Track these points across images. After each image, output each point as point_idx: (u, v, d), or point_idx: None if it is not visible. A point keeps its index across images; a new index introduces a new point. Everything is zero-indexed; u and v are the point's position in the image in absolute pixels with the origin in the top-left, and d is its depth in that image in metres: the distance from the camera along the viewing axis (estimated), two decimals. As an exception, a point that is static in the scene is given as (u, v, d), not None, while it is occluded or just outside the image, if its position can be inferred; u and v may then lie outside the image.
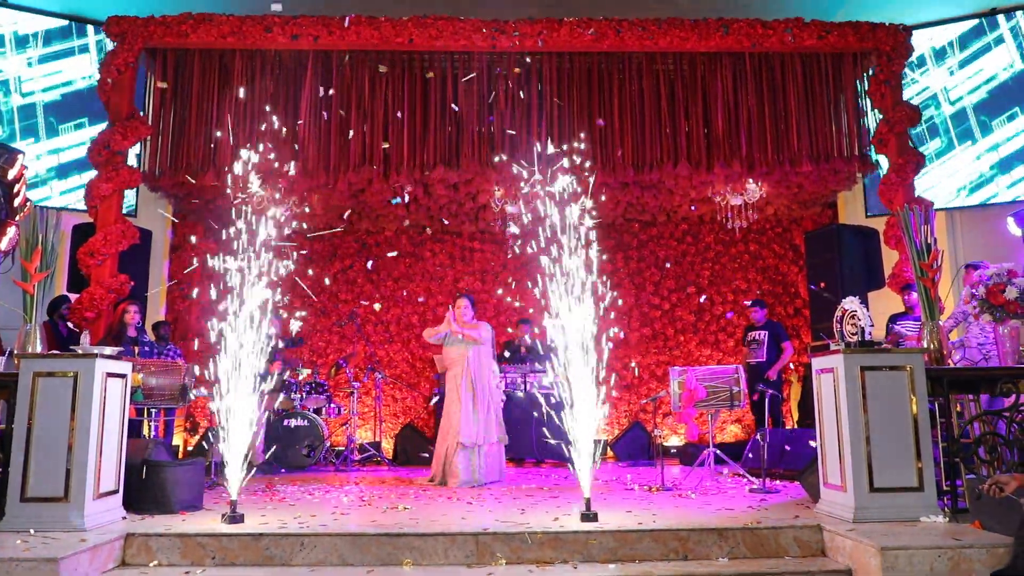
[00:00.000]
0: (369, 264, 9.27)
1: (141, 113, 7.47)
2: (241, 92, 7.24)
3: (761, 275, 9.54)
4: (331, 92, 7.46)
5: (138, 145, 7.49)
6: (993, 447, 4.20)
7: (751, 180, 7.97)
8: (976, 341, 5.33)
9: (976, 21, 8.68)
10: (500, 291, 9.25)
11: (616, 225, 9.50)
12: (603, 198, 8.02)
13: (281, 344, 7.48)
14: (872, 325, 4.47)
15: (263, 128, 7.03)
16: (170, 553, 3.83)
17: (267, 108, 7.24)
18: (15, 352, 4.43)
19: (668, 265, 9.51)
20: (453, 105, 7.45)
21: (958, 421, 4.45)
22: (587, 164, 6.98)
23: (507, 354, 8.26)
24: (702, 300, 9.43)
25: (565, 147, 6.76)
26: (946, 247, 8.28)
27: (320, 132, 7.44)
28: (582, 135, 7.12)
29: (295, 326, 7.59)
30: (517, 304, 9.04)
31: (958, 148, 8.76)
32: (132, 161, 7.43)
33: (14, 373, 4.14)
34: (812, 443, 5.02)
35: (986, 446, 4.24)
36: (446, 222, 9.06)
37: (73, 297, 7.00)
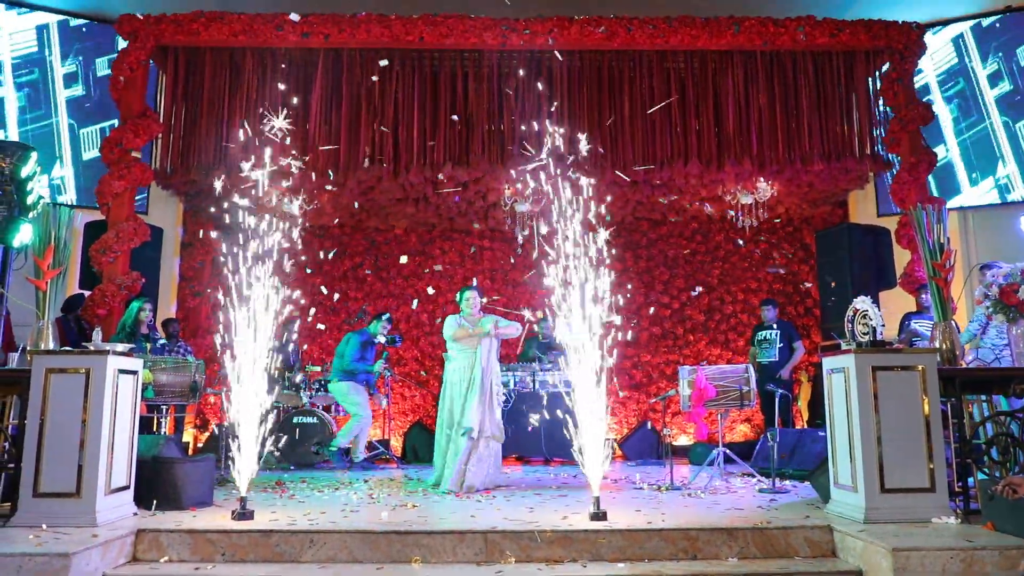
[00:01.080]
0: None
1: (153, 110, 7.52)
2: (253, 90, 7.27)
3: (771, 274, 9.50)
4: (342, 90, 7.49)
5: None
6: (1006, 448, 4.17)
7: (762, 179, 7.94)
8: (991, 342, 5.28)
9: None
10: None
11: (626, 223, 9.47)
12: (608, 198, 8.00)
13: (383, 341, 7.59)
14: (883, 325, 4.44)
15: (273, 127, 7.05)
16: (180, 549, 3.85)
17: (279, 107, 7.26)
18: (28, 348, 4.46)
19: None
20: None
21: (970, 422, 4.42)
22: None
23: (533, 350, 8.23)
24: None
25: (575, 144, 6.77)
26: (959, 247, 8.22)
27: (331, 130, 7.46)
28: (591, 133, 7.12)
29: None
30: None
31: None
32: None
33: (27, 369, 4.17)
34: (822, 439, 4.99)
35: (999, 447, 4.21)
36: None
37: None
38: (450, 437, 5.76)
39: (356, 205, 8.39)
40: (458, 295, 6.18)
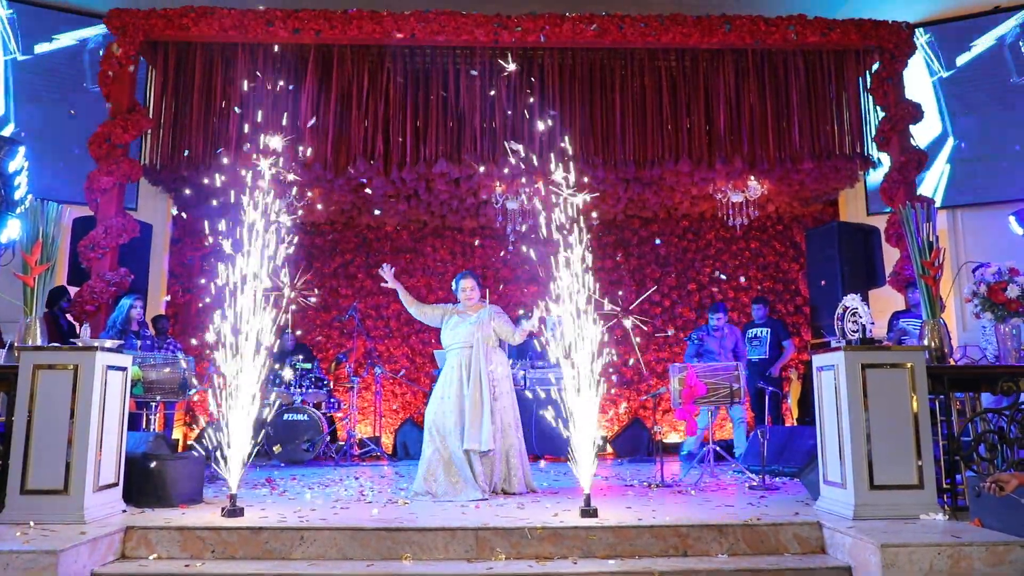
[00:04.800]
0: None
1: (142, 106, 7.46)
2: (243, 86, 7.24)
3: (762, 272, 9.54)
4: (333, 86, 7.46)
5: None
6: (993, 445, 4.20)
7: (752, 177, 7.96)
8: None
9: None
10: (501, 286, 9.25)
11: (617, 222, 9.49)
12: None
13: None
14: (873, 323, 4.46)
15: (263, 123, 7.01)
16: (170, 546, 3.83)
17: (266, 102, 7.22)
18: (15, 345, 4.43)
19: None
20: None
21: (959, 419, 4.44)
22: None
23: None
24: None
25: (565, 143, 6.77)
26: (948, 245, 8.27)
27: (321, 126, 7.43)
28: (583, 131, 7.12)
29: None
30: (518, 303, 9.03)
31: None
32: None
33: (14, 366, 4.14)
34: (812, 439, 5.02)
35: (986, 444, 4.24)
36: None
37: (72, 290, 7.00)
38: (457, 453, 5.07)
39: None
40: (453, 282, 5.62)
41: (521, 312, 8.24)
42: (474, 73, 7.49)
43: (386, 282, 5.47)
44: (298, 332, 8.48)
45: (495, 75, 7.59)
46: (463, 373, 5.22)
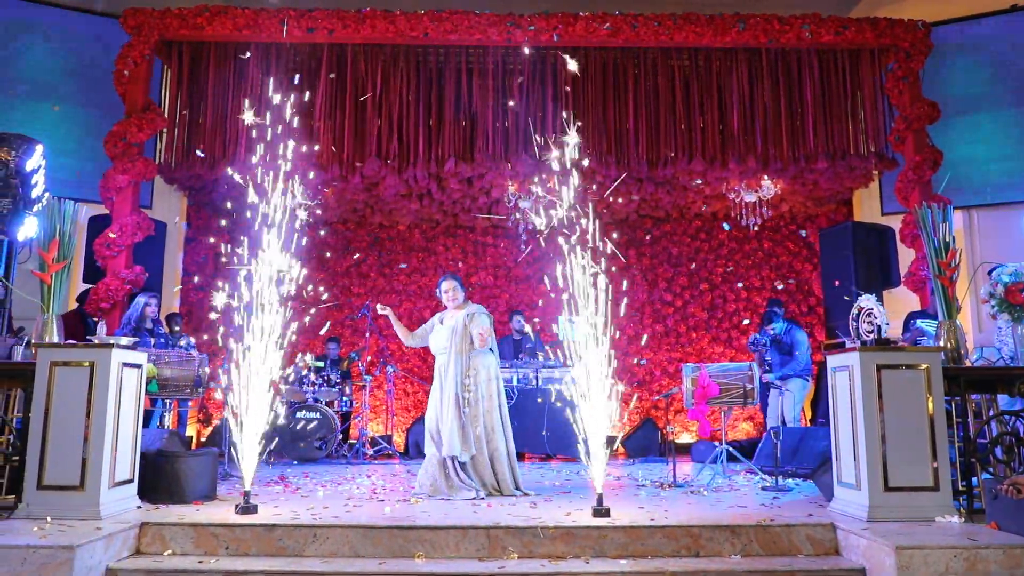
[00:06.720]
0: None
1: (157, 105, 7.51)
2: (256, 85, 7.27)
3: (775, 273, 9.49)
4: (347, 85, 7.49)
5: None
6: (1010, 447, 4.17)
7: (766, 177, 7.93)
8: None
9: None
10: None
11: (629, 221, 9.47)
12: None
13: None
14: (888, 323, 4.43)
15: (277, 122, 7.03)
16: (184, 543, 3.86)
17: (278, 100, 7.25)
18: (32, 341, 4.46)
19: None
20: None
21: (975, 421, 4.41)
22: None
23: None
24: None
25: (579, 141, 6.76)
26: (964, 246, 8.20)
27: (335, 125, 7.46)
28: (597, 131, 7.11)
29: None
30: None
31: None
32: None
33: (31, 362, 4.18)
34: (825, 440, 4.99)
35: (1003, 446, 4.21)
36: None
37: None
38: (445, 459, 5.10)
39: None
40: (437, 288, 5.57)
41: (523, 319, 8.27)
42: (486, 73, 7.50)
43: (386, 307, 5.71)
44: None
45: (508, 74, 7.59)
46: (442, 379, 5.25)
